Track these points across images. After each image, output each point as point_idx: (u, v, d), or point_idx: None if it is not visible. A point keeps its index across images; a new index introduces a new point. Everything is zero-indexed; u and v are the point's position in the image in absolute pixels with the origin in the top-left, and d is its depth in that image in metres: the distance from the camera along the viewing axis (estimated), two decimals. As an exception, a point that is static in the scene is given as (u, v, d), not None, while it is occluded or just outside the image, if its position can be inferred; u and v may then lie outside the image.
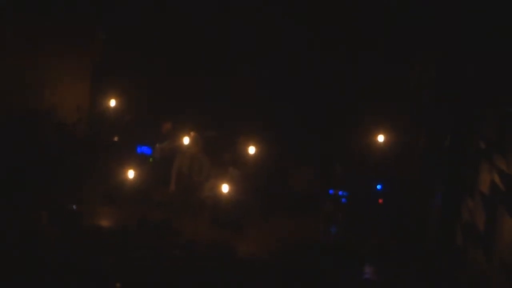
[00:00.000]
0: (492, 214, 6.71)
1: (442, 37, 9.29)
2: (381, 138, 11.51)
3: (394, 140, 11.56)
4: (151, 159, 12.19)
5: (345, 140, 12.19)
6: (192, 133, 11.22)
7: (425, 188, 10.16)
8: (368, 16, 11.33)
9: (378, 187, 11.72)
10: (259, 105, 12.77)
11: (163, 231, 9.92)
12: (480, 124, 7.96)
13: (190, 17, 12.52)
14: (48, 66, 12.23)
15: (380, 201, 11.57)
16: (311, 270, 8.95)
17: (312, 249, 9.81)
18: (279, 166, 12.28)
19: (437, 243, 9.21)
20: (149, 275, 8.35)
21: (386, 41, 11.52)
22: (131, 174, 11.11)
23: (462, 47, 8.43)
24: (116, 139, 12.45)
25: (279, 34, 12.39)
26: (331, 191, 11.79)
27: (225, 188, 10.80)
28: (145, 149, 12.38)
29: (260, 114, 12.66)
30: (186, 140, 11.19)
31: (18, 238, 8.66)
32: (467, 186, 8.22)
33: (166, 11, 12.54)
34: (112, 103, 12.52)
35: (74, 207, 10.05)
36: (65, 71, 12.53)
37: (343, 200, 11.75)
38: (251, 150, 11.55)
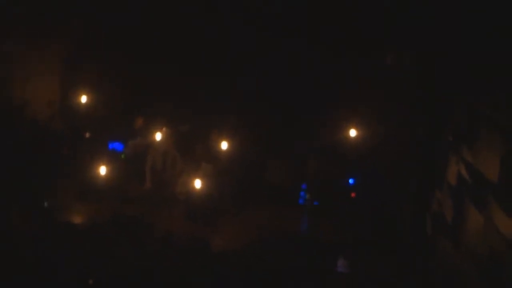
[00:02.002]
0: (459, 205, 6.83)
1: (416, 30, 9.36)
2: (353, 132, 11.59)
3: (367, 133, 11.64)
4: (123, 155, 12.13)
5: (319, 133, 12.24)
6: (164, 129, 11.18)
7: (398, 180, 10.27)
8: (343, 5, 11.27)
9: (351, 180, 11.82)
10: (232, 98, 12.76)
11: (137, 226, 9.90)
12: (449, 117, 8.08)
13: (165, 6, 12.41)
14: (18, 60, 12.06)
15: (353, 194, 11.67)
16: (285, 263, 9.02)
17: (285, 242, 9.87)
18: (253, 159, 12.30)
19: (409, 234, 9.34)
20: (123, 270, 8.34)
21: (360, 29, 11.50)
22: (103, 170, 11.06)
23: (435, 41, 8.52)
24: (87, 135, 12.36)
25: (253, 20, 12.33)
26: (303, 185, 11.86)
27: (198, 183, 10.82)
28: (116, 145, 12.32)
29: (234, 107, 12.66)
30: (158, 136, 11.16)
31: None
32: (437, 177, 8.35)
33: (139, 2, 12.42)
34: (84, 98, 12.42)
35: (46, 203, 9.98)
36: (35, 66, 12.37)
37: (315, 193, 11.84)
38: (224, 145, 11.56)
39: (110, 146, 12.29)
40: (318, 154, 12.10)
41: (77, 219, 10.27)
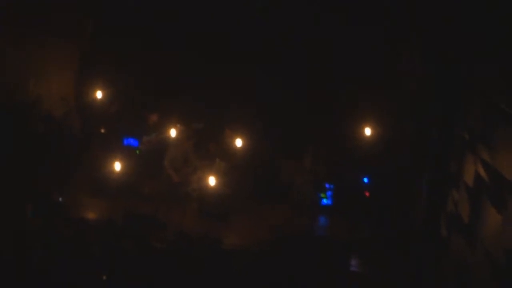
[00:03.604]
0: (476, 205, 6.76)
1: (430, 26, 9.29)
2: (368, 130, 11.53)
3: (381, 132, 11.58)
4: (137, 151, 12.15)
5: (333, 131, 12.20)
6: (179, 125, 11.18)
7: (411, 180, 10.20)
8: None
9: (365, 179, 11.76)
10: (247, 96, 12.75)
11: (150, 223, 9.90)
12: (465, 115, 8.00)
13: (178, 4, 12.42)
14: (33, 55, 12.10)
15: (367, 193, 11.61)
16: (298, 262, 8.99)
17: (299, 241, 9.84)
18: (267, 157, 12.28)
19: (423, 234, 9.26)
20: (136, 267, 8.35)
21: (376, 26, 11.43)
22: (117, 166, 11.07)
23: (450, 38, 8.45)
24: (102, 130, 12.39)
25: (265, 17, 12.32)
26: (317, 185, 11.82)
27: (212, 180, 10.81)
28: (131, 141, 12.34)
29: (248, 105, 12.65)
30: (173, 132, 11.15)
31: (2, 230, 8.61)
32: (452, 177, 8.27)
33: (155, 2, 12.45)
34: (99, 94, 12.44)
35: (60, 199, 10.01)
36: (50, 61, 12.40)
37: (330, 192, 11.80)
38: (238, 142, 11.54)
39: (125, 141, 12.30)
40: (332, 152, 12.05)
41: (90, 215, 10.30)
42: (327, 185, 11.78)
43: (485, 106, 6.82)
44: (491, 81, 6.66)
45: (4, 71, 11.69)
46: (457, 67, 8.48)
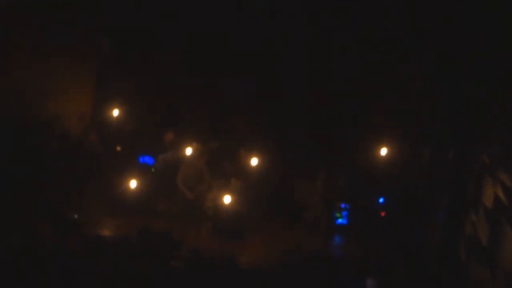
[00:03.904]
0: (496, 228, 6.69)
1: (447, 47, 9.27)
2: (384, 151, 11.48)
3: (397, 152, 11.53)
4: (153, 169, 12.17)
5: (349, 152, 12.17)
6: (195, 144, 11.19)
7: (428, 201, 10.13)
8: (373, 15, 11.21)
9: (381, 200, 11.69)
10: (263, 114, 12.79)
11: (165, 241, 9.89)
12: (484, 138, 7.96)
13: (197, 25, 12.49)
14: (50, 74, 12.21)
15: (383, 214, 11.54)
16: (313, 284, 8.92)
17: (314, 262, 9.77)
18: (282, 177, 12.27)
19: (440, 257, 9.17)
20: (151, 285, 8.32)
21: (391, 46, 11.43)
22: (133, 184, 11.09)
23: (469, 59, 8.42)
24: (118, 148, 12.43)
25: (285, 38, 12.34)
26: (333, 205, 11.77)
27: (227, 199, 10.80)
28: (147, 159, 12.37)
29: (264, 124, 12.68)
30: (188, 151, 11.16)
31: (19, 247, 8.62)
32: (471, 200, 8.20)
33: (171, 20, 12.52)
34: (115, 112, 12.51)
35: (76, 216, 10.03)
36: (68, 80, 12.51)
37: (345, 212, 11.74)
38: (254, 161, 11.54)
39: (141, 159, 12.34)
40: (348, 172, 12.01)
41: (105, 233, 10.30)
42: (342, 205, 11.73)
43: (506, 130, 6.78)
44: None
45: (24, 89, 11.80)
46: (475, 90, 8.46)
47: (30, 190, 10.52)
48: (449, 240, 8.90)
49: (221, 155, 12.21)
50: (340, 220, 11.78)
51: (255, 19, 12.03)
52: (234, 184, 11.52)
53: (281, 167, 12.35)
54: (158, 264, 8.89)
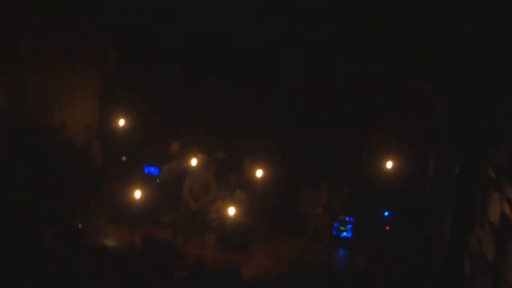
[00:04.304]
0: (502, 244, 6.65)
1: (452, 61, 9.26)
2: (389, 164, 11.46)
3: (402, 165, 11.51)
4: (158, 180, 12.17)
5: (353, 163, 12.16)
6: (200, 155, 11.19)
7: (433, 216, 10.10)
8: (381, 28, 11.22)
9: (386, 213, 11.66)
10: (268, 126, 12.80)
11: (169, 251, 9.87)
12: (490, 153, 7.93)
13: (203, 35, 12.53)
14: (59, 83, 12.27)
15: (387, 228, 11.50)
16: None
17: (319, 273, 9.74)
18: (287, 188, 12.26)
19: (445, 272, 9.12)
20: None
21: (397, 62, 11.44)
22: (138, 194, 11.08)
23: (475, 76, 8.41)
24: (124, 158, 12.45)
25: (291, 48, 12.36)
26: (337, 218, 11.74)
27: (231, 210, 10.78)
28: (152, 170, 12.37)
29: (269, 136, 12.68)
30: (194, 162, 11.17)
31: (23, 256, 8.62)
32: (476, 215, 8.17)
33: (178, 30, 12.56)
34: (121, 122, 12.54)
35: (80, 225, 10.03)
36: (75, 89, 12.57)
37: (350, 225, 11.71)
38: (259, 173, 11.53)
39: (146, 170, 12.34)
40: (353, 185, 11.99)
41: (109, 242, 10.29)
42: (347, 218, 11.70)
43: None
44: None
45: (31, 96, 11.85)
46: (481, 102, 8.44)
47: (34, 198, 10.55)
48: (454, 255, 8.85)
49: (227, 166, 12.21)
50: (344, 234, 11.75)
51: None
52: (239, 196, 11.52)
53: (285, 178, 12.34)
54: (161, 274, 8.87)
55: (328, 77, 12.54)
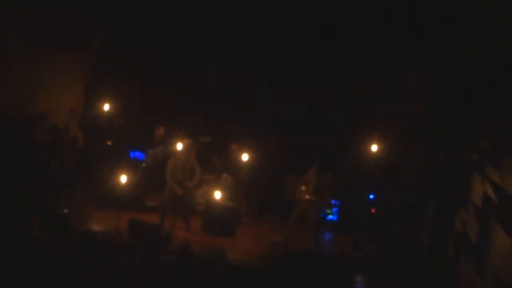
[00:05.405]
0: (485, 225, 6.71)
1: (440, 48, 9.28)
2: (374, 147, 11.50)
3: (387, 149, 11.55)
4: (143, 164, 12.13)
5: (339, 148, 12.18)
6: (185, 139, 11.14)
7: (418, 198, 10.16)
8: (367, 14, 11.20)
9: (371, 196, 11.72)
10: (253, 111, 12.78)
11: (155, 236, 9.87)
12: (474, 136, 7.98)
13: (190, 18, 12.44)
14: (44, 68, 12.14)
15: (373, 210, 11.56)
16: (302, 279, 8.93)
17: (304, 257, 9.78)
18: (273, 173, 12.27)
19: (429, 254, 9.20)
20: (140, 280, 8.30)
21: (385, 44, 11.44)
22: (123, 179, 11.04)
23: (459, 65, 8.44)
24: (109, 143, 12.38)
25: (277, 33, 12.31)
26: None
27: (217, 194, 10.77)
28: (138, 154, 12.34)
29: (254, 120, 12.67)
30: (179, 146, 11.12)
31: (7, 242, 8.58)
32: (460, 197, 8.23)
33: (164, 14, 12.46)
34: (106, 107, 12.46)
35: (66, 211, 9.99)
36: (61, 74, 12.44)
37: (335, 208, 11.77)
38: (244, 157, 11.52)
39: (132, 154, 12.30)
40: (338, 168, 12.01)
41: (96, 227, 10.26)
42: (333, 201, 11.75)
43: (496, 128, 6.80)
44: (503, 104, 6.65)
45: (16, 85, 11.72)
46: (464, 87, 8.48)
47: (18, 185, 10.48)
48: (438, 237, 8.93)
49: (213, 150, 12.19)
50: (330, 217, 11.79)
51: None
52: (225, 180, 11.51)
53: (272, 162, 12.35)
54: (148, 259, 8.87)
55: (315, 60, 12.52)
